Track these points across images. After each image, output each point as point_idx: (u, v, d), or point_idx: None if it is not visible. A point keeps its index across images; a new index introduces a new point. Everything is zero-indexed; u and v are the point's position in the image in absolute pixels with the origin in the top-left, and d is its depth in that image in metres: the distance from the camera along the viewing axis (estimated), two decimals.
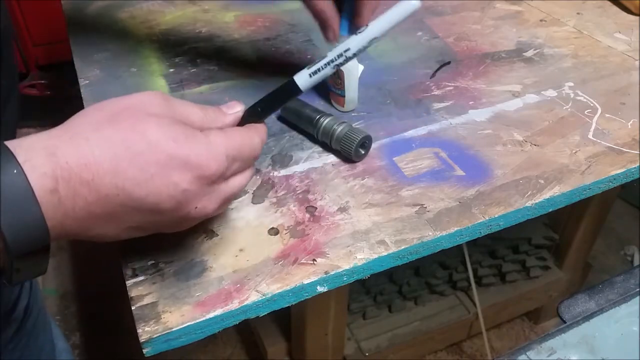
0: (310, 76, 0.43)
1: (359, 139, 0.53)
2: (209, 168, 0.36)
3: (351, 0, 0.55)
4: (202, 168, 0.36)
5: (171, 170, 0.34)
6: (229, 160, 0.38)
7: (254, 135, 0.41)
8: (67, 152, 0.32)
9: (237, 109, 0.42)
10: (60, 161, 0.32)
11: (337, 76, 0.59)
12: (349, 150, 0.53)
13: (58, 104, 1.80)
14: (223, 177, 0.38)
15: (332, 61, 0.43)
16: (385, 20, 0.45)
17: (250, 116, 0.42)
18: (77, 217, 0.33)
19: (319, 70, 0.43)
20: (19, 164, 0.31)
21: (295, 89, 0.43)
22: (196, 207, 0.37)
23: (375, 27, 0.45)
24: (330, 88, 0.62)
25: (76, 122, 0.35)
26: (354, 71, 0.58)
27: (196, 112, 0.39)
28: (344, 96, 0.60)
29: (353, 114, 0.62)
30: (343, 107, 0.61)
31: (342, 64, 0.43)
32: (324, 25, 0.56)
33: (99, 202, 0.33)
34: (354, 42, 0.43)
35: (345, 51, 0.43)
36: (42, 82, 1.79)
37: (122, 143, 0.33)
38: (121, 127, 0.34)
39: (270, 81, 0.67)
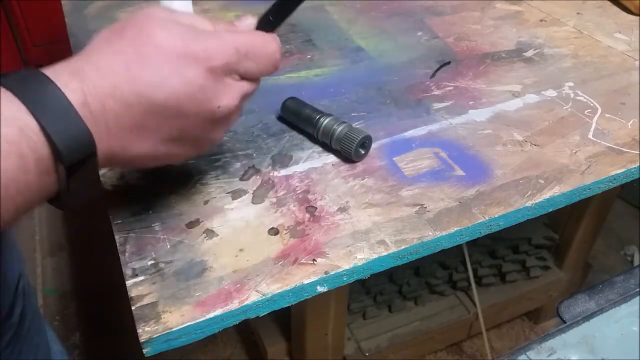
0: None
1: (359, 139, 0.53)
2: (218, 58, 0.36)
3: None
4: (212, 59, 0.36)
5: (184, 68, 0.35)
6: (240, 54, 0.37)
7: (269, 38, 0.40)
8: (86, 68, 0.34)
9: (249, 21, 0.42)
10: (83, 77, 0.33)
11: None
12: (349, 150, 0.53)
13: None
14: (235, 70, 0.38)
15: None
16: None
17: (263, 27, 0.42)
18: (110, 132, 0.34)
19: None
20: (53, 82, 0.32)
21: None
22: (219, 107, 0.37)
23: None
24: None
25: (91, 44, 0.36)
26: None
27: (205, 23, 0.39)
28: None
29: (353, 114, 0.62)
30: None
31: None
32: None
33: (125, 113, 0.34)
34: None
35: None
36: None
37: (132, 50, 0.34)
38: (129, 35, 0.35)
39: (270, 81, 0.67)
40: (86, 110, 0.33)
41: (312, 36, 0.78)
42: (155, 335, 0.38)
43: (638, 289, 0.50)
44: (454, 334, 1.18)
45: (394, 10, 0.86)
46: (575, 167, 0.55)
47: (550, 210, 0.52)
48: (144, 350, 0.39)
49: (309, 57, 0.73)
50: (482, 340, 1.11)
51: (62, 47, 1.70)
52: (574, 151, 0.57)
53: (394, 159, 0.55)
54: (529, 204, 0.50)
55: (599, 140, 0.58)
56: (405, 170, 0.54)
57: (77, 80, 0.33)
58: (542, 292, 1.22)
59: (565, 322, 0.48)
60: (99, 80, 0.33)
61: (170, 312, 0.40)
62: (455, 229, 0.47)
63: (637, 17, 0.84)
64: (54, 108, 0.32)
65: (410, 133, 0.59)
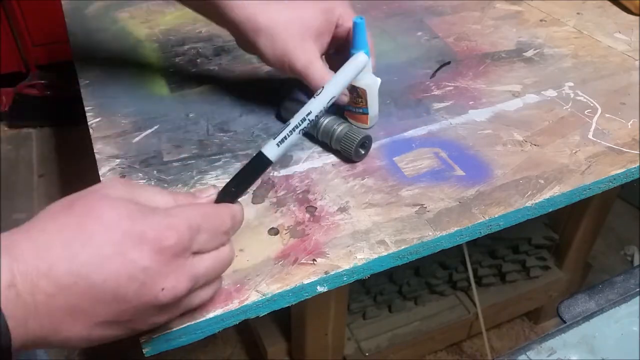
0: (278, 145, 0.43)
1: (359, 139, 0.53)
2: (168, 239, 0.33)
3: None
4: (161, 240, 0.33)
5: (127, 249, 0.32)
6: (193, 230, 0.35)
7: (222, 208, 0.38)
8: (23, 245, 0.31)
9: (210, 192, 0.41)
10: (17, 255, 0.31)
11: (358, 94, 0.56)
12: (349, 150, 0.53)
13: (58, 104, 1.80)
14: (188, 249, 0.34)
15: (296, 127, 0.44)
16: (340, 78, 0.49)
17: (225, 197, 0.41)
18: (39, 314, 0.31)
19: (285, 138, 0.43)
20: None
21: (265, 161, 0.43)
22: (163, 289, 0.33)
23: (331, 87, 0.47)
24: (348, 108, 0.59)
25: (37, 217, 0.34)
26: (374, 86, 0.56)
27: (164, 198, 0.37)
28: (368, 113, 0.58)
29: None
30: (367, 124, 0.58)
31: (306, 128, 0.44)
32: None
33: (59, 294, 0.31)
34: (314, 105, 0.45)
35: (308, 114, 0.45)
36: (42, 82, 1.79)
37: (75, 227, 0.32)
38: (76, 212, 0.33)
39: (270, 81, 0.67)
40: (12, 292, 0.30)
41: None
42: (155, 335, 0.38)
43: (638, 289, 0.50)
44: (454, 334, 1.18)
45: (394, 10, 0.86)
46: (575, 167, 0.55)
47: (550, 210, 0.52)
48: (144, 350, 0.39)
49: None
50: (482, 340, 1.11)
51: (62, 47, 1.71)
52: (574, 151, 0.57)
53: (394, 159, 0.55)
54: (529, 204, 0.50)
55: (599, 140, 0.58)
56: (405, 170, 0.54)
57: (10, 258, 0.30)
58: (542, 292, 1.22)
59: (565, 322, 0.48)
60: (34, 259, 0.31)
61: None
62: (455, 229, 0.47)
63: (637, 17, 0.84)
64: None
65: (410, 133, 0.59)
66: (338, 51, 0.57)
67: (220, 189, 0.41)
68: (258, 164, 0.43)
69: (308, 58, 0.53)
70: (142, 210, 0.34)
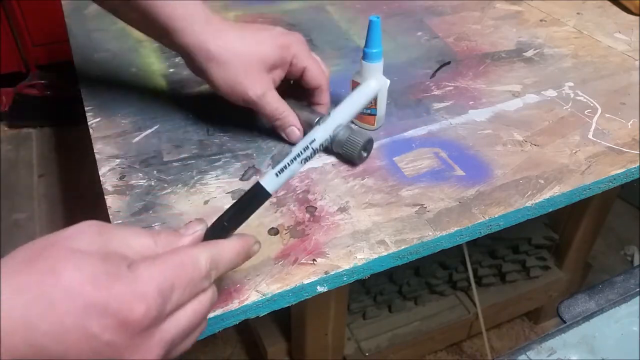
0: (277, 175, 0.38)
1: (362, 143, 0.52)
2: (134, 312, 0.30)
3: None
4: (125, 312, 0.29)
5: (89, 321, 0.29)
6: (164, 293, 0.31)
7: (197, 253, 0.34)
8: None
9: (196, 229, 0.36)
10: None
11: None
12: (353, 154, 0.52)
13: (58, 104, 1.80)
14: (159, 317, 0.31)
15: (298, 155, 0.39)
16: (348, 106, 0.44)
17: (215, 233, 0.36)
18: None
19: (285, 167, 0.38)
20: None
21: (264, 193, 0.38)
22: None
23: (338, 114, 0.44)
24: None
25: None
26: (384, 87, 0.56)
27: (142, 241, 0.34)
28: (376, 114, 0.58)
29: None
30: (373, 125, 0.58)
31: (309, 157, 0.39)
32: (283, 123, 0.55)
33: None
34: (319, 132, 0.40)
35: (311, 142, 0.39)
36: (42, 82, 1.79)
37: (36, 290, 0.29)
38: (38, 269, 0.29)
39: None
40: None
41: (312, 36, 0.78)
42: None
43: (638, 289, 0.50)
44: (454, 334, 1.18)
45: (394, 10, 0.86)
46: (575, 167, 0.55)
47: (550, 210, 0.52)
48: None
49: None
50: (482, 340, 1.11)
51: (62, 47, 1.70)
52: (574, 151, 0.57)
53: (394, 159, 0.55)
54: (529, 204, 0.50)
55: (599, 140, 0.58)
56: (405, 170, 0.54)
57: None
58: (542, 292, 1.22)
59: (565, 322, 0.48)
60: None
61: None
62: (455, 229, 0.47)
63: (637, 17, 0.84)
64: None
65: (410, 133, 0.59)
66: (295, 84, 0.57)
67: (209, 225, 0.37)
68: (255, 196, 0.38)
69: (262, 88, 0.53)
70: (109, 272, 0.30)
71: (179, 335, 0.33)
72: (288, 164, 0.38)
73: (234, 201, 0.38)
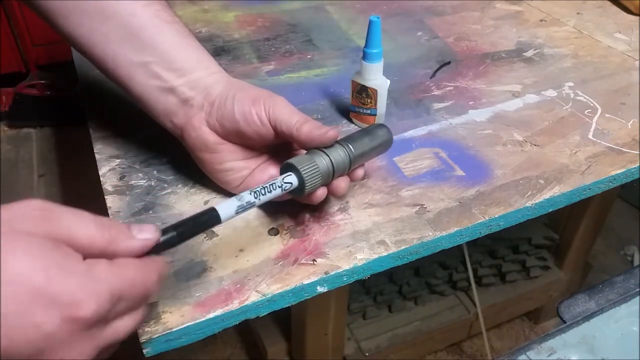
0: (237, 212, 0.39)
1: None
2: (85, 308, 0.28)
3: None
4: (75, 307, 0.28)
5: (34, 308, 0.27)
6: (114, 300, 0.30)
7: (152, 273, 0.33)
8: None
9: (148, 236, 0.34)
10: None
11: (367, 95, 0.56)
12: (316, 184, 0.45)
13: (58, 104, 1.80)
14: (104, 320, 0.30)
15: (252, 204, 0.40)
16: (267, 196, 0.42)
17: (164, 244, 0.35)
18: None
19: (250, 204, 0.40)
20: None
21: (215, 219, 0.38)
22: None
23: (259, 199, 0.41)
24: (354, 109, 0.58)
25: None
26: (384, 87, 0.56)
27: (89, 230, 0.31)
28: (376, 114, 0.57)
29: None
30: None
31: (271, 197, 0.41)
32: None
33: None
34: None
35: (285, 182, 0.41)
36: (42, 82, 1.79)
37: None
38: None
39: (270, 81, 0.67)
40: None
41: (312, 36, 0.78)
42: (155, 336, 0.38)
43: (638, 289, 0.50)
44: (454, 334, 1.18)
45: (394, 10, 0.86)
46: (575, 167, 0.55)
47: (550, 210, 0.52)
48: (144, 351, 0.39)
49: (308, 57, 0.73)
50: (482, 340, 1.11)
51: (62, 47, 1.70)
52: (574, 151, 0.57)
53: (394, 159, 0.55)
54: (529, 204, 0.50)
55: (599, 140, 0.58)
56: (405, 170, 0.54)
57: None
58: (542, 292, 1.22)
59: (565, 322, 0.48)
60: None
61: (170, 312, 0.40)
62: (455, 229, 0.47)
63: (637, 17, 0.84)
64: None
65: (410, 133, 0.59)
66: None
67: (160, 235, 0.35)
68: (207, 219, 0.38)
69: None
70: (62, 264, 0.29)
71: (110, 344, 0.32)
72: (245, 205, 0.39)
73: (186, 217, 0.37)
